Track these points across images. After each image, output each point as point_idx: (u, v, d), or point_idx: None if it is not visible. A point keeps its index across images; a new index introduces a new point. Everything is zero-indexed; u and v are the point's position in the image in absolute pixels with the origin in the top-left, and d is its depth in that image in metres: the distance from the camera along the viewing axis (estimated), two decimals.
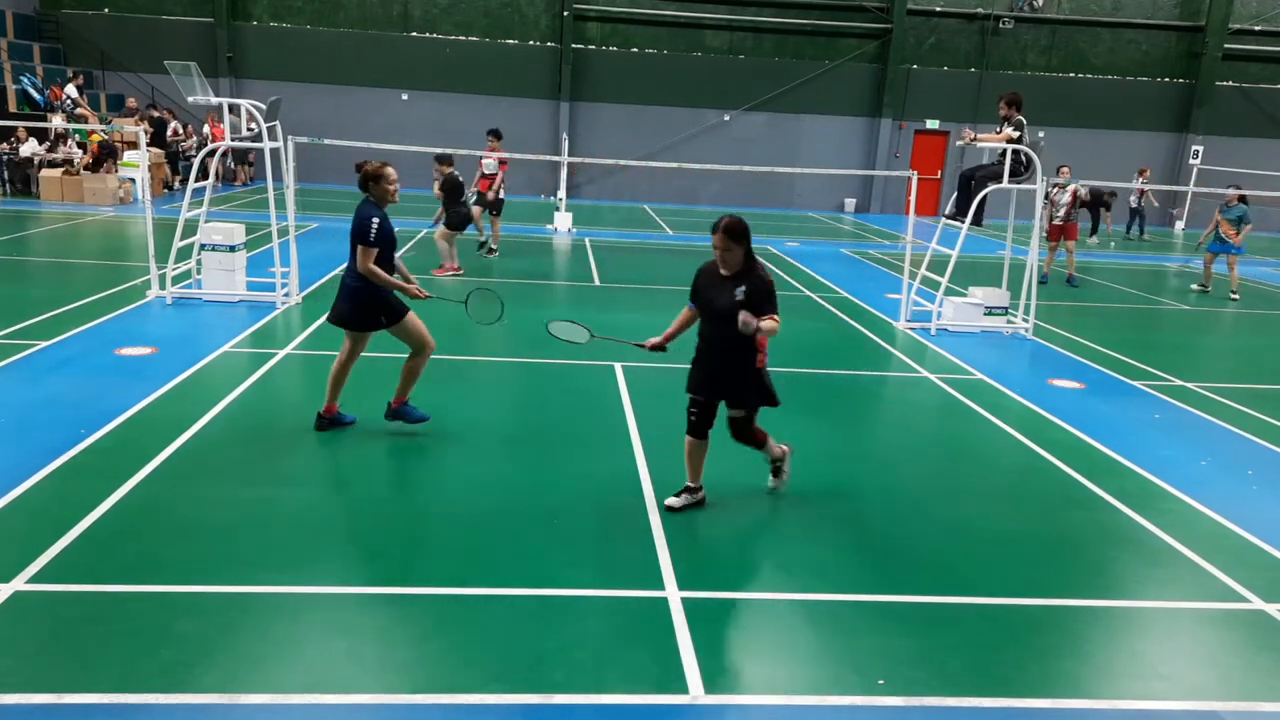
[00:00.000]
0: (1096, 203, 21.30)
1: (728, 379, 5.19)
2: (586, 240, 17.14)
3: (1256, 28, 26.73)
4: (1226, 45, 26.49)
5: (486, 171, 14.25)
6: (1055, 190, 14.67)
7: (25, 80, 20.90)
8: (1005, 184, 10.30)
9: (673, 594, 4.42)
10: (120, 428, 6.16)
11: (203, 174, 15.19)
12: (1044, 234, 14.39)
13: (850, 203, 27.39)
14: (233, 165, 23.75)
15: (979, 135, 10.84)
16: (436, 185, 12.54)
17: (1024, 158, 10.32)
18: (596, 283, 13.09)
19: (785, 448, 5.68)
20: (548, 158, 22.02)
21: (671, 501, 5.35)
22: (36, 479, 5.27)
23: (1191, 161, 26.12)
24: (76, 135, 19.71)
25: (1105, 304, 13.70)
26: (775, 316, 4.93)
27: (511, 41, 25.67)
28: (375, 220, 5.97)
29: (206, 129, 21.82)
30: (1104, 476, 6.30)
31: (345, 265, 6.25)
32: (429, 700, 3.53)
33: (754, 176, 25.20)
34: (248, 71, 24.94)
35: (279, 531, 4.84)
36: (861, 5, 25.99)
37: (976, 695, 3.77)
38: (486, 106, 25.17)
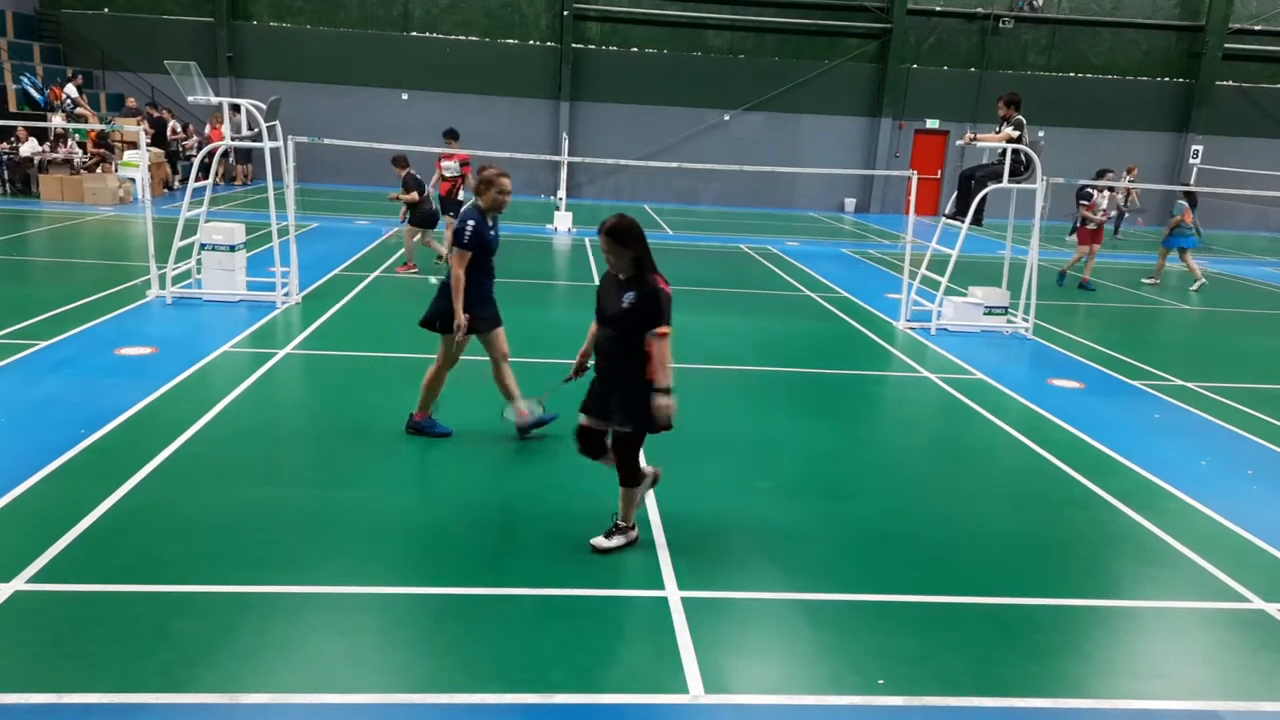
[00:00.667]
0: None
1: (617, 394, 4.67)
2: (586, 240, 17.13)
3: (1256, 27, 26.74)
4: (1226, 45, 26.50)
5: (447, 175, 13.25)
6: (1100, 194, 14.43)
7: (25, 80, 20.90)
8: (1005, 184, 10.30)
9: (673, 594, 4.42)
10: (120, 428, 6.16)
11: (203, 174, 15.19)
12: (1073, 233, 14.36)
13: (850, 203, 27.39)
14: (235, 164, 23.77)
15: (979, 135, 10.85)
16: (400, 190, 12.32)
17: (1024, 157, 10.32)
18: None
19: (630, 529, 4.91)
20: (548, 158, 22.03)
21: (599, 542, 4.83)
22: (36, 479, 5.27)
23: (1191, 161, 26.13)
24: (76, 135, 19.71)
25: (1105, 304, 13.70)
26: (663, 330, 4.48)
27: (511, 41, 25.67)
28: (471, 223, 5.95)
29: (207, 129, 21.83)
30: (1104, 476, 6.30)
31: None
32: (429, 700, 3.54)
33: (754, 176, 25.21)
34: (248, 71, 24.94)
35: (279, 531, 4.84)
36: (861, 5, 25.99)
37: (976, 695, 3.77)
38: (486, 106, 25.19)
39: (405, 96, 25.38)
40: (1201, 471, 6.55)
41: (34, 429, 6.05)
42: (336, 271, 12.45)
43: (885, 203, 27.52)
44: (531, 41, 25.72)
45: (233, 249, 10.21)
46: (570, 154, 21.68)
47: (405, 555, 4.65)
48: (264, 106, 10.35)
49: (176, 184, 21.14)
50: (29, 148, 19.17)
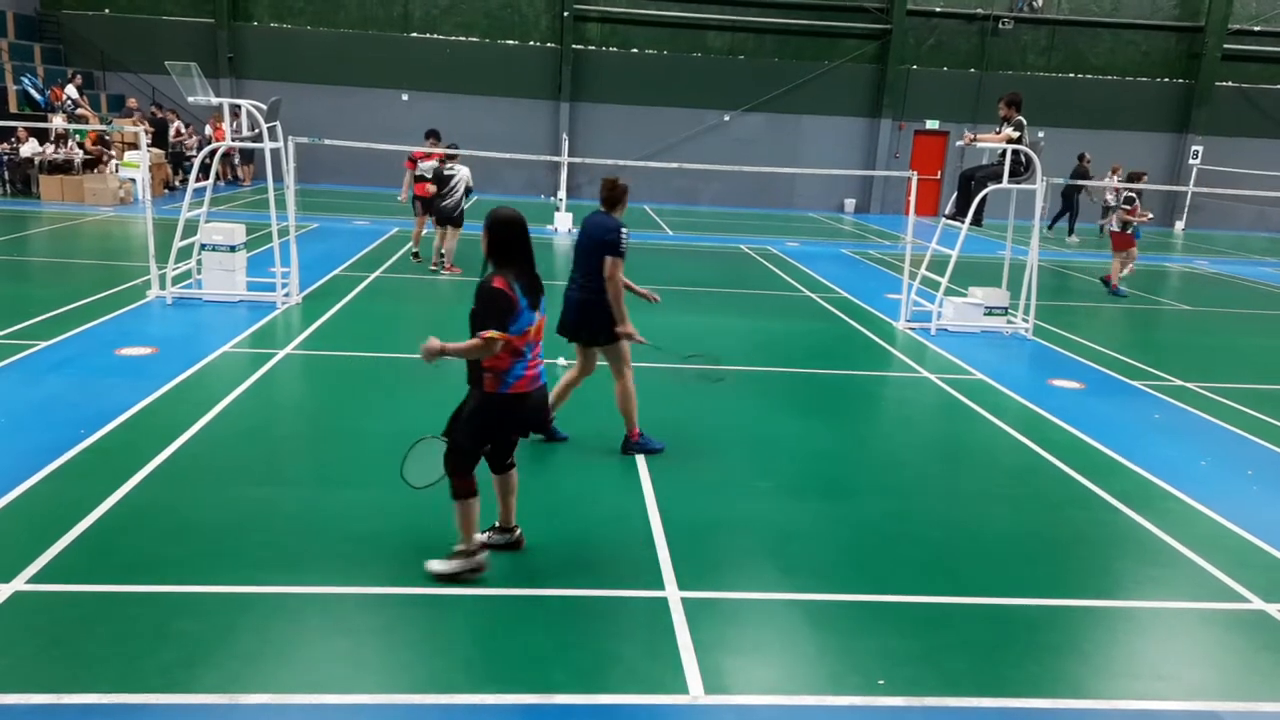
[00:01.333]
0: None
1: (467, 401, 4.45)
2: None
3: (1256, 28, 26.74)
4: (1226, 45, 26.49)
5: (428, 175, 12.73)
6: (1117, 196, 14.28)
7: (26, 80, 20.90)
8: (1005, 184, 10.30)
9: (673, 594, 4.42)
10: (120, 428, 6.16)
11: (203, 174, 15.19)
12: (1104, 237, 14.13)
13: (850, 203, 27.39)
14: (239, 164, 23.77)
15: (979, 136, 10.85)
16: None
17: (1024, 158, 10.32)
18: None
19: (471, 553, 4.41)
20: (548, 158, 22.02)
21: (433, 565, 4.43)
22: (36, 479, 5.27)
23: (1191, 161, 26.14)
24: (76, 135, 19.72)
25: (1105, 304, 13.70)
26: (485, 335, 4.11)
27: (511, 42, 25.67)
28: (625, 231, 5.94)
29: (208, 130, 21.83)
30: (1104, 476, 6.30)
31: (571, 278, 6.15)
32: (429, 700, 3.54)
33: (754, 177, 25.20)
34: (248, 72, 24.95)
35: (279, 532, 4.84)
36: (861, 5, 25.99)
37: (976, 695, 3.77)
38: (486, 107, 25.19)
39: (405, 97, 25.37)
40: (1201, 472, 6.55)
41: (34, 429, 6.05)
42: (336, 272, 12.45)
43: (885, 203, 27.52)
44: (531, 42, 25.72)
45: (233, 249, 10.21)
46: (570, 154, 21.67)
47: (405, 555, 4.64)
48: (264, 107, 10.35)
49: (177, 184, 21.14)
50: (29, 148, 19.18)
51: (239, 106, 10.41)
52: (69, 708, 3.38)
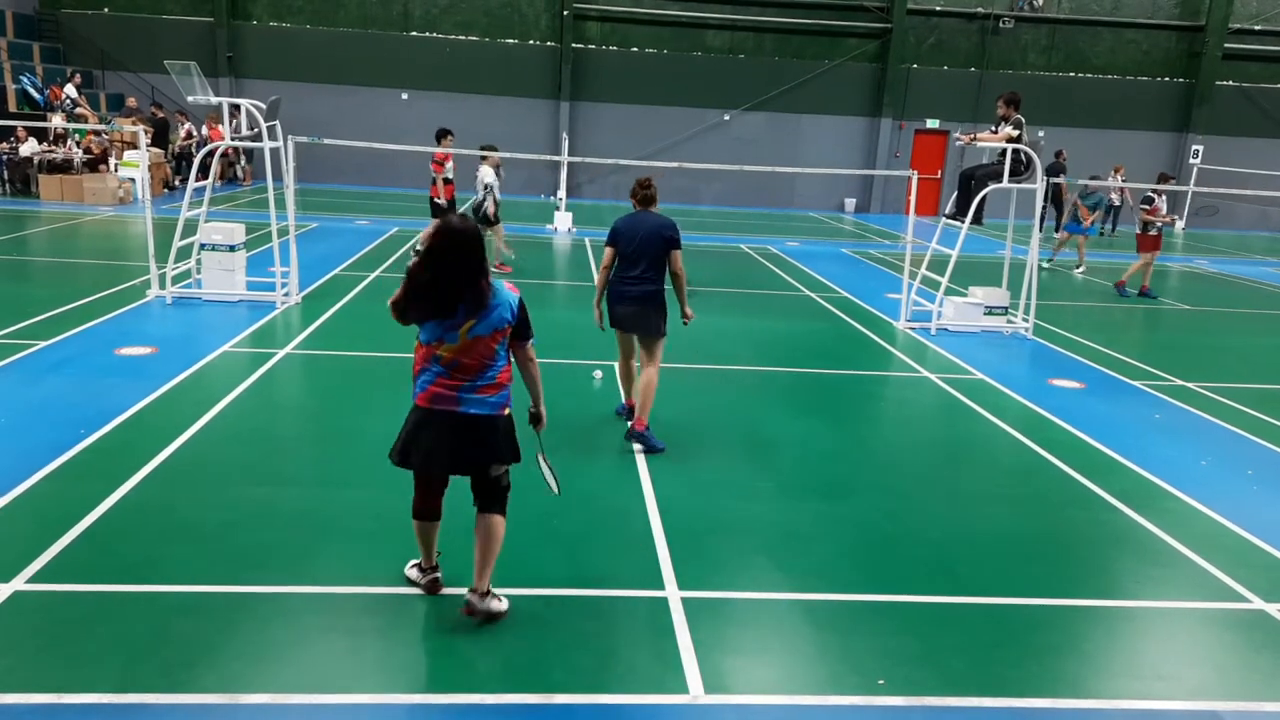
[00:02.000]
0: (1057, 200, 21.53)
1: None
2: (586, 240, 17.13)
3: (1256, 27, 26.73)
4: (1226, 45, 26.49)
5: (450, 176, 12.86)
6: (1160, 199, 14.06)
7: (25, 80, 20.90)
8: (1005, 184, 10.30)
9: (673, 594, 4.42)
10: (120, 428, 6.16)
11: (203, 174, 15.19)
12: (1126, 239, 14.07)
13: (850, 203, 27.39)
14: (244, 164, 23.76)
15: (978, 135, 10.84)
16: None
17: (1024, 157, 10.32)
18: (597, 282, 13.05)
19: (428, 569, 4.30)
20: (548, 157, 22.01)
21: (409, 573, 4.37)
22: (36, 479, 5.27)
23: (1191, 161, 26.13)
24: (76, 135, 19.71)
25: (1105, 304, 13.69)
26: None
27: (511, 41, 25.66)
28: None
29: (204, 129, 21.80)
30: (1104, 476, 6.30)
31: (627, 274, 6.47)
32: (429, 700, 3.53)
33: (754, 176, 25.18)
34: (248, 71, 24.93)
35: (279, 532, 4.84)
36: (861, 5, 25.98)
37: (976, 695, 3.77)
38: (486, 106, 25.17)
39: (405, 96, 25.37)
40: (1202, 471, 6.55)
41: (34, 429, 6.05)
42: (336, 271, 12.45)
43: (885, 203, 27.52)
44: (531, 41, 25.71)
45: (232, 249, 10.21)
46: (570, 154, 21.67)
47: (405, 555, 4.64)
48: (264, 106, 10.35)
49: (177, 183, 21.12)
50: (29, 148, 19.17)
51: (238, 106, 10.42)
52: (69, 708, 3.37)
